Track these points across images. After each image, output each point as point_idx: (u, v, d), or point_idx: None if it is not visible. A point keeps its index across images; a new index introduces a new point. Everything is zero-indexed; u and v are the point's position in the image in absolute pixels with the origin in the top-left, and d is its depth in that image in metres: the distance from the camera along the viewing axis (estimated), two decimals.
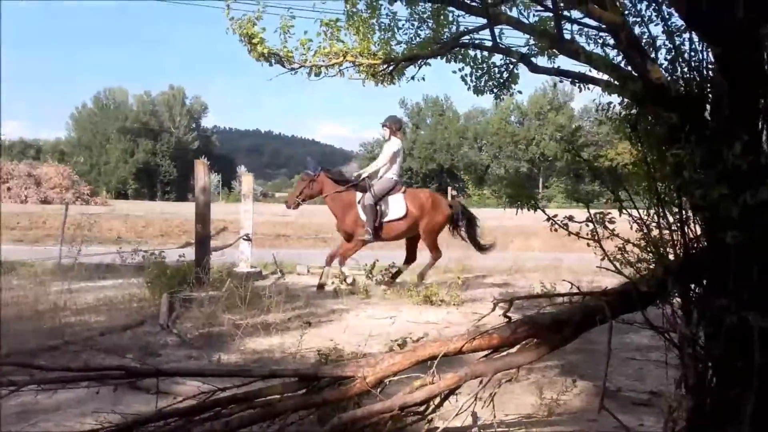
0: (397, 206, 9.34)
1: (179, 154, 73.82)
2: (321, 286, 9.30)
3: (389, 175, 9.51)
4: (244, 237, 10.56)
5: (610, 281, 9.00)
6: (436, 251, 9.79)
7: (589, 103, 65.64)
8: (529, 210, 3.07)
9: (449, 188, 17.94)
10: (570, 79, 3.98)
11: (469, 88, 4.76)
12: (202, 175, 8.43)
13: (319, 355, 4.25)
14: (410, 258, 10.03)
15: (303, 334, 5.72)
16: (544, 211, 3.08)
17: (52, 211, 24.24)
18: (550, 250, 14.35)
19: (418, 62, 4.59)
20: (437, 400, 3.30)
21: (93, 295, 8.36)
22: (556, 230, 3.14)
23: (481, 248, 10.33)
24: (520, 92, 4.88)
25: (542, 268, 12.08)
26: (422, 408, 3.35)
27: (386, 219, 9.30)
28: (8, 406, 3.93)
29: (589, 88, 3.79)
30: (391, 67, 4.54)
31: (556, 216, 3.08)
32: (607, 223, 3.03)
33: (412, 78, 4.78)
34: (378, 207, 9.21)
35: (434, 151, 70.14)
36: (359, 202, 9.25)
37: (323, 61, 4.50)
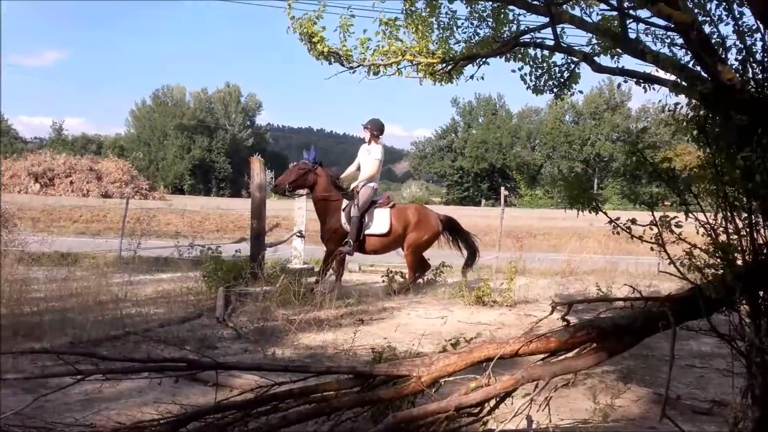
0: (381, 221, 8.97)
1: (234, 151, 75.15)
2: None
3: (371, 184, 9.10)
4: (298, 233, 10.68)
5: (669, 286, 8.81)
6: (413, 270, 9.34)
7: (646, 103, 64.02)
8: (590, 212, 3.01)
9: (502, 188, 17.71)
10: (634, 79, 3.88)
11: (528, 88, 4.70)
12: (258, 171, 8.57)
13: (373, 353, 4.26)
14: (422, 267, 9.65)
15: (356, 332, 5.76)
16: (606, 214, 3.02)
17: (113, 204, 25.05)
18: (605, 253, 14.06)
19: (477, 61, 4.55)
20: (493, 402, 3.28)
21: (152, 287, 8.61)
22: (618, 233, 3.08)
23: (468, 264, 9.79)
24: (581, 92, 4.79)
25: (597, 271, 11.85)
26: (477, 410, 3.33)
27: (369, 232, 8.92)
28: (73, 394, 4.08)
29: (654, 89, 3.69)
30: (449, 66, 4.51)
31: (618, 219, 3.02)
32: (673, 227, 2.95)
33: (471, 77, 4.75)
34: (362, 219, 8.85)
35: (486, 151, 69.46)
36: (344, 210, 8.88)
37: (382, 59, 4.51)
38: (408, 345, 5.74)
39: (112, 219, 20.50)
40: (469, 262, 9.77)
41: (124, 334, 5.89)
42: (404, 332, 6.60)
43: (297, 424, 3.14)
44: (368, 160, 9.09)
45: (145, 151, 72.05)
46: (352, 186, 9.06)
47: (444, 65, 4.53)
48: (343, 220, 8.77)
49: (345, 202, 8.90)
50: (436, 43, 4.63)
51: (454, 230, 9.81)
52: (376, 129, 9.21)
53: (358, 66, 4.64)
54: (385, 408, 3.46)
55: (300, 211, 10.69)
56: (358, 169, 9.28)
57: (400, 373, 3.26)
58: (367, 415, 3.50)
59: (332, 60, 4.67)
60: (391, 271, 9.37)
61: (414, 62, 4.54)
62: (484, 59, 4.59)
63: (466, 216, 33.02)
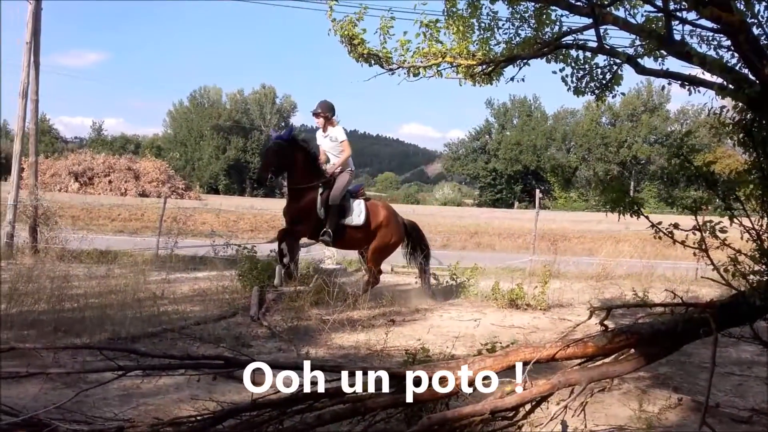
0: (358, 212, 8.24)
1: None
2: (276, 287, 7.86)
3: (348, 167, 8.40)
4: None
5: (707, 291, 8.63)
6: (376, 273, 8.72)
7: (686, 105, 62.81)
8: (631, 216, 2.96)
9: (536, 190, 17.56)
10: (678, 82, 3.80)
11: (569, 89, 4.64)
12: None
13: (407, 354, 4.25)
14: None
15: (388, 332, 5.76)
16: (647, 218, 2.97)
17: (150, 203, 25.48)
18: (642, 257, 13.83)
19: (518, 63, 4.52)
20: (528, 407, 3.25)
21: (188, 285, 8.74)
22: (659, 238, 3.03)
23: (424, 278, 9.18)
24: (623, 94, 4.71)
25: (633, 275, 11.66)
26: (512, 413, 3.31)
27: (345, 221, 8.14)
28: (112, 389, 4.16)
29: (699, 91, 3.62)
30: (489, 68, 4.49)
31: (660, 223, 2.96)
32: (718, 232, 2.88)
33: (512, 79, 4.71)
34: (341, 207, 8.10)
35: (520, 152, 68.89)
36: (321, 195, 7.96)
37: (421, 61, 4.51)
38: (440, 347, 5.73)
39: (150, 218, 20.87)
40: (426, 270, 9.20)
41: (161, 331, 5.98)
42: (436, 334, 6.59)
43: (332, 424, 3.15)
44: (334, 145, 8.29)
45: (181, 151, 73.19)
46: (328, 169, 8.19)
47: (484, 67, 4.50)
48: (319, 204, 7.91)
49: (321, 187, 8.01)
50: (477, 44, 4.60)
51: (417, 238, 9.26)
52: (329, 111, 8.35)
53: (398, 68, 4.64)
54: (419, 409, 3.46)
55: None
56: (327, 161, 8.37)
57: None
58: (400, 416, 3.50)
59: (372, 62, 4.68)
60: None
61: (454, 64, 4.52)
62: (525, 60, 4.55)
63: (499, 218, 32.88)
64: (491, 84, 4.64)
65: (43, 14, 12.54)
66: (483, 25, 4.60)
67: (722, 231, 2.91)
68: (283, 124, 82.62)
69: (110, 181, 39.72)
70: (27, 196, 12.31)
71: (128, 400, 4.13)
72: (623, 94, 4.85)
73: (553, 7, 4.26)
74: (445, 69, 4.61)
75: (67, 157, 42.49)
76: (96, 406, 3.90)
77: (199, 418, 3.23)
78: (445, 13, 4.58)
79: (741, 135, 2.92)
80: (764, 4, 3.03)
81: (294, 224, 8.03)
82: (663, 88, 4.51)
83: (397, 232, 8.73)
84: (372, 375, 3.41)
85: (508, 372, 3.42)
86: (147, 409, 3.94)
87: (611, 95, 4.68)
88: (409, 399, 3.26)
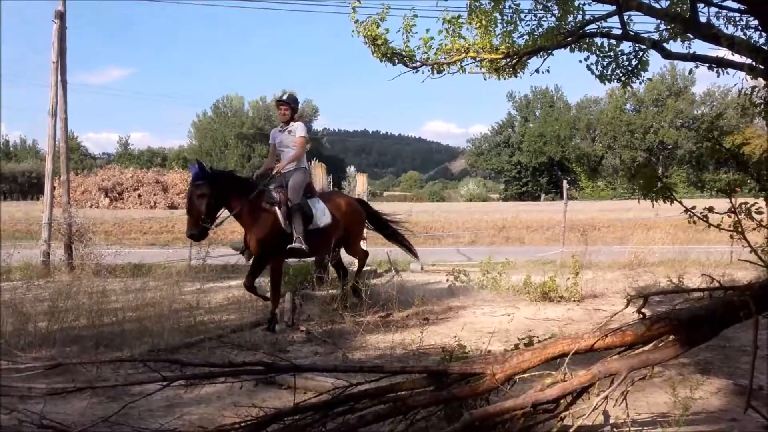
0: (321, 211, 7.43)
1: None
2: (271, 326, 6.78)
3: (301, 165, 7.56)
4: None
5: (744, 274, 8.49)
6: (363, 255, 8.45)
7: (711, 87, 61.72)
8: (665, 202, 2.94)
9: (564, 181, 17.41)
10: (707, 65, 3.75)
11: (595, 77, 4.61)
12: (320, 177, 8.70)
13: (443, 352, 4.26)
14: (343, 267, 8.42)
15: (423, 331, 5.77)
16: (681, 203, 2.94)
17: (180, 215, 25.78)
18: (674, 243, 13.64)
19: (542, 54, 4.49)
20: (569, 398, 3.24)
21: (222, 294, 8.84)
22: (694, 222, 2.99)
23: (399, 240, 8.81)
24: (649, 79, 4.67)
25: (666, 262, 11.52)
26: (553, 406, 3.30)
27: (312, 227, 7.24)
28: (155, 400, 4.23)
29: (727, 72, 3.56)
30: (513, 61, 4.47)
31: (694, 207, 2.93)
32: (754, 214, 2.84)
33: (537, 71, 4.69)
34: (304, 208, 7.22)
35: (544, 144, 68.31)
36: (280, 208, 7.00)
37: (445, 58, 4.52)
38: (476, 343, 5.74)
39: (180, 229, 21.09)
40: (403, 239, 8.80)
41: (199, 340, 6.07)
42: (471, 331, 6.59)
43: (374, 424, 3.18)
44: (291, 140, 7.44)
45: (207, 161, 73.93)
46: (277, 169, 7.34)
47: (508, 60, 4.48)
48: (281, 216, 6.95)
49: (273, 198, 7.06)
50: (499, 38, 4.59)
51: (371, 214, 8.60)
52: (296, 104, 7.63)
53: (421, 65, 4.65)
54: (458, 406, 3.47)
55: None
56: (278, 159, 7.57)
57: (474, 371, 3.26)
58: (440, 414, 3.51)
59: (396, 61, 4.69)
60: (456, 270, 9.34)
61: (477, 59, 4.52)
62: (549, 51, 4.52)
63: (527, 211, 32.63)
64: (516, 77, 4.63)
65: (68, 33, 12.83)
66: (506, 18, 4.58)
67: (758, 212, 2.87)
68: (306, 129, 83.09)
69: (139, 195, 40.37)
70: (61, 214, 12.57)
71: (172, 411, 4.20)
72: (650, 79, 4.80)
73: None
74: (468, 64, 4.61)
75: (97, 174, 43.33)
76: (141, 418, 3.98)
77: (243, 424, 3.29)
78: (468, 8, 4.57)
79: None
80: None
81: (268, 253, 7.02)
82: (690, 71, 4.41)
83: (360, 217, 8.21)
84: (411, 374, 3.44)
85: (546, 365, 3.43)
86: (191, 419, 4.01)
87: (638, 81, 4.64)
88: (449, 396, 3.28)
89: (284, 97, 7.49)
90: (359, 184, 11.16)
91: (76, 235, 12.09)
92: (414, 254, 9.02)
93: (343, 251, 8.24)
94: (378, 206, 11.33)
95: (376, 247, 13.18)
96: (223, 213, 6.90)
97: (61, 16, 12.74)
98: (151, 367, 3.39)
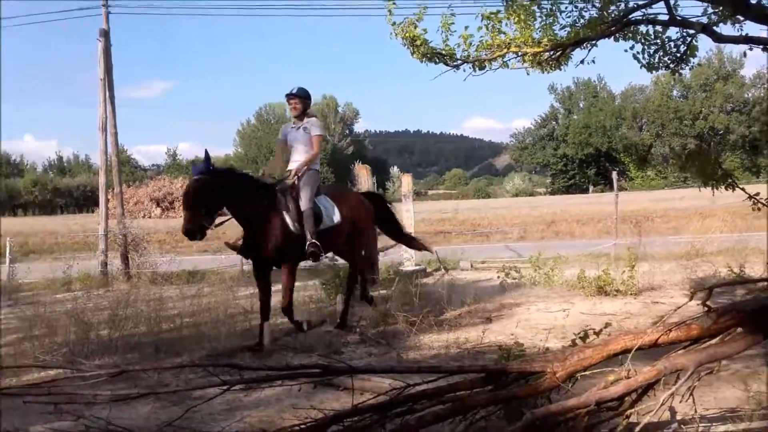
0: (330, 210, 6.85)
1: (335, 160, 76.89)
2: (257, 345, 6.25)
3: (314, 166, 6.89)
4: None
5: None
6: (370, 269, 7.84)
7: (761, 69, 59.64)
8: (726, 189, 2.84)
9: (614, 172, 17.06)
10: (761, 46, 3.61)
11: (641, 66, 4.49)
12: (366, 179, 8.73)
13: (500, 350, 4.21)
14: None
15: (485, 330, 5.71)
16: (744, 190, 2.83)
17: (229, 222, 26.18)
18: (732, 231, 13.21)
19: (586, 45, 4.40)
20: (634, 395, 3.15)
21: (274, 298, 8.90)
22: (758, 209, 2.88)
23: (411, 242, 8.23)
24: (699, 65, 4.52)
25: (725, 251, 11.16)
26: (617, 403, 3.22)
27: (324, 226, 6.68)
28: (216, 404, 4.29)
29: None
30: (557, 53, 4.39)
31: (758, 194, 2.82)
32: None
33: (581, 62, 4.60)
34: (315, 210, 6.64)
35: (589, 135, 67.12)
36: (287, 211, 6.43)
37: (486, 54, 4.46)
38: (531, 340, 5.66)
39: (231, 236, 21.45)
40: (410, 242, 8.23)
41: (255, 344, 6.14)
42: (526, 328, 6.51)
43: (433, 425, 3.15)
44: (306, 138, 6.86)
45: (252, 168, 75.08)
46: (294, 173, 6.72)
47: (552, 53, 4.40)
48: (289, 220, 6.39)
49: (281, 200, 6.52)
50: (540, 31, 4.51)
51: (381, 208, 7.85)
52: (308, 99, 7.01)
53: (462, 63, 4.61)
54: (518, 406, 3.42)
55: (408, 213, 10.75)
56: (287, 160, 7.07)
57: (534, 369, 3.21)
58: (499, 413, 3.47)
59: (436, 60, 4.66)
60: (507, 267, 9.25)
61: (519, 53, 4.44)
62: (592, 42, 4.42)
63: (576, 204, 32.11)
64: (560, 69, 4.54)
65: (113, 50, 13.21)
66: (545, 10, 4.50)
67: None
68: (347, 131, 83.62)
69: None
70: (116, 225, 12.94)
71: (233, 414, 4.26)
72: (700, 64, 4.65)
73: None
74: (510, 59, 4.54)
75: (148, 185, 44.49)
76: (204, 421, 4.04)
77: (302, 426, 3.30)
78: (505, 3, 4.51)
79: None
80: None
81: (282, 258, 6.50)
82: (745, 54, 4.21)
83: (370, 212, 7.53)
84: (468, 374, 3.41)
85: (607, 361, 3.35)
86: (251, 421, 4.06)
87: (688, 67, 4.49)
88: (509, 395, 3.24)
89: (294, 90, 6.86)
90: (404, 185, 11.14)
91: (132, 245, 12.44)
92: (429, 250, 8.52)
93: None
94: (423, 205, 11.33)
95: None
96: (225, 215, 6.37)
97: (106, 34, 13.13)
98: (212, 371, 3.44)
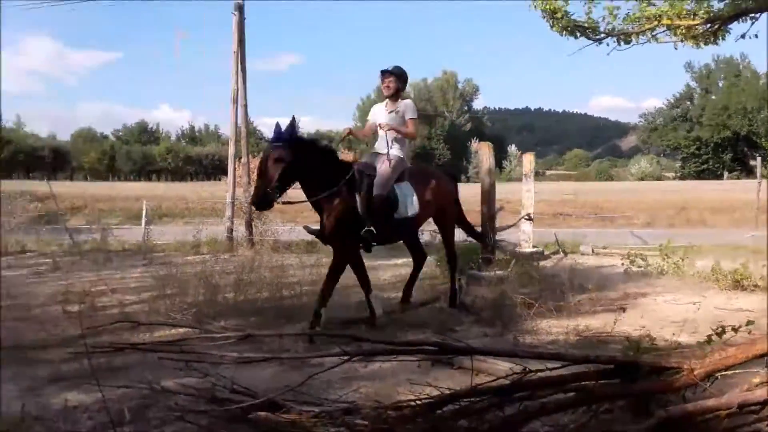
0: (408, 198, 6.26)
1: (452, 137, 76.59)
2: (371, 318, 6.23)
3: (396, 152, 6.28)
4: (526, 216, 10.46)
5: None
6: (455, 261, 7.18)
7: None
8: None
9: (758, 158, 15.77)
10: None
11: None
12: (487, 156, 8.51)
13: (629, 342, 3.99)
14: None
15: (616, 320, 5.44)
16: None
17: None
18: None
19: (746, 18, 4.00)
20: None
21: (390, 272, 9.03)
22: None
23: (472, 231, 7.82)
24: None
25: None
26: (760, 407, 2.96)
27: (399, 216, 6.20)
28: (334, 373, 4.36)
29: None
30: (715, 26, 4.03)
31: None
32: None
33: (742, 36, 4.19)
34: (389, 198, 6.12)
35: (728, 117, 62.54)
36: (359, 192, 5.93)
37: (633, 27, 4.18)
38: (659, 333, 5.36)
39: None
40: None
41: (369, 317, 6.21)
42: (652, 319, 6.17)
43: (556, 413, 3.04)
44: (400, 122, 6.33)
45: (373, 143, 76.39)
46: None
47: (708, 26, 4.04)
48: (358, 201, 5.93)
49: (356, 180, 6.00)
50: (693, 3, 4.15)
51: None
52: (403, 79, 6.44)
53: (605, 37, 4.35)
54: (646, 402, 3.23)
55: (528, 193, 10.45)
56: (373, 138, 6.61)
57: (668, 365, 3.01)
58: (624, 407, 3.29)
59: (577, 34, 4.42)
60: (632, 254, 8.80)
61: (671, 26, 4.12)
62: (754, 15, 4.01)
63: (708, 191, 30.09)
64: (716, 43, 4.17)
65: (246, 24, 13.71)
66: None
67: None
68: (465, 108, 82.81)
69: None
70: (242, 193, 13.53)
71: (349, 383, 4.32)
72: None
73: None
74: (659, 33, 4.22)
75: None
76: (321, 389, 4.13)
77: (419, 402, 3.29)
78: None
79: None
80: None
81: (340, 241, 6.06)
82: None
83: (451, 195, 7.09)
84: (596, 364, 3.25)
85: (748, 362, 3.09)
86: (367, 392, 4.09)
87: None
88: (639, 390, 3.06)
89: (389, 68, 6.34)
90: (525, 163, 10.80)
91: (256, 213, 12.96)
92: (483, 242, 7.99)
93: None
94: (541, 186, 10.97)
95: (541, 228, 12.79)
96: (299, 194, 5.96)
97: (240, 9, 13.61)
98: (335, 341, 3.50)
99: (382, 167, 6.12)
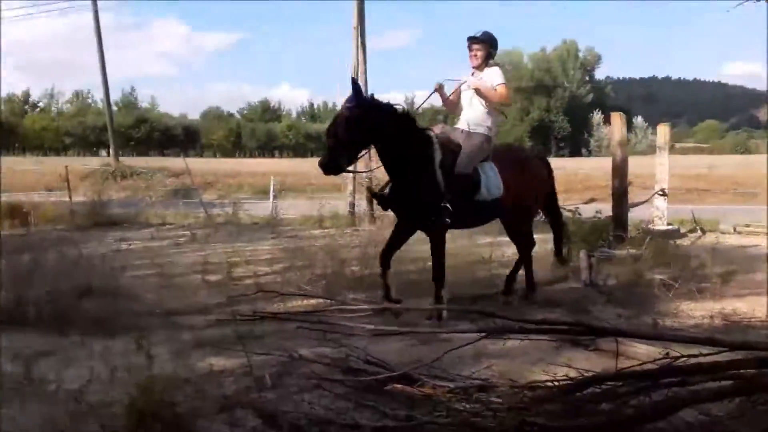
0: (493, 180, 5.62)
1: (571, 109, 73.91)
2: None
3: (481, 129, 5.69)
4: (660, 192, 9.91)
5: None
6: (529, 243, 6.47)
7: None
8: None
9: None
10: None
11: None
12: (619, 128, 8.12)
13: None
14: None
15: None
16: None
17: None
18: None
19: None
20: None
21: (513, 248, 8.82)
22: None
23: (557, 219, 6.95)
24: None
25: None
26: None
27: (481, 198, 5.58)
28: (466, 350, 4.31)
29: None
30: None
31: None
32: None
33: None
34: (471, 177, 5.54)
35: None
36: (439, 165, 5.41)
37: None
38: None
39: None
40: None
41: (494, 293, 6.12)
42: None
43: (711, 402, 2.85)
44: (493, 83, 5.65)
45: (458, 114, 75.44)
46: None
47: None
48: (439, 176, 5.40)
49: (437, 151, 5.44)
50: None
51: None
52: (493, 46, 5.76)
53: None
54: None
55: (662, 167, 9.87)
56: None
57: None
58: None
59: None
60: None
61: None
62: None
63: None
64: None
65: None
66: None
67: None
68: (586, 78, 79.46)
69: None
70: (363, 167, 13.71)
71: (479, 361, 4.26)
72: None
73: None
74: None
75: None
76: (452, 364, 4.11)
77: (556, 383, 3.20)
78: None
79: None
80: None
81: (418, 219, 5.64)
82: None
83: (549, 174, 6.53)
84: (757, 351, 3.01)
85: None
86: (499, 370, 4.01)
87: None
88: None
89: (478, 34, 5.70)
90: (660, 135, 10.16)
91: (376, 188, 13.11)
92: (559, 233, 6.92)
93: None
94: (672, 160, 10.28)
95: (674, 204, 12.04)
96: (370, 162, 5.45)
97: None
98: (470, 318, 3.46)
99: (468, 143, 5.60)
